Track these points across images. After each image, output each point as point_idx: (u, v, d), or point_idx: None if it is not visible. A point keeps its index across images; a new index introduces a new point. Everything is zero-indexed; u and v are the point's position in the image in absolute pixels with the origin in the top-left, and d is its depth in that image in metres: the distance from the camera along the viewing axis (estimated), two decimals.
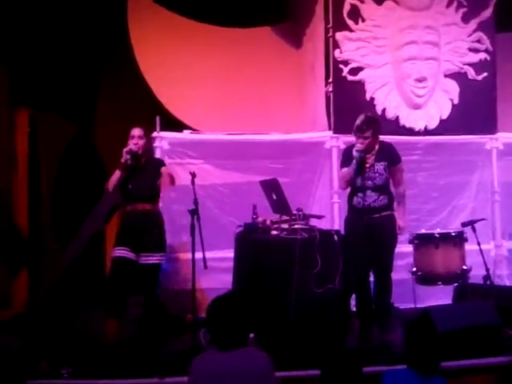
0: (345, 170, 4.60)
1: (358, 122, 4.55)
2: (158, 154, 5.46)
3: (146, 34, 6.26)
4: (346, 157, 4.63)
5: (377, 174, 4.53)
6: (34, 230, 6.08)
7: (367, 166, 4.55)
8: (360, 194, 4.53)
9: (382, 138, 4.93)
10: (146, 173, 4.68)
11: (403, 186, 4.66)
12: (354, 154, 4.46)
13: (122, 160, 4.56)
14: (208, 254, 4.40)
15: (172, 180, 4.71)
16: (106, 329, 4.41)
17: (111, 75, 6.49)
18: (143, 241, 4.54)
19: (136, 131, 4.69)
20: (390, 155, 4.60)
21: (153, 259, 4.58)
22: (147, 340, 4.36)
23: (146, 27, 6.26)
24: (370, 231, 4.50)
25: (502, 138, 6.06)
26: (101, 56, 6.47)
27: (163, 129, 5.56)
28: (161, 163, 4.85)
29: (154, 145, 5.47)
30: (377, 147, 4.59)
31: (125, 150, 4.57)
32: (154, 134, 5.50)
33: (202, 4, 6.45)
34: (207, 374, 2.63)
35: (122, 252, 4.49)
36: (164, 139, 5.51)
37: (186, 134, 5.70)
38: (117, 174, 4.59)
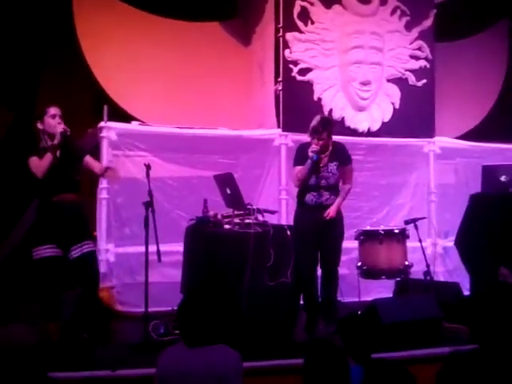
0: (299, 168, 4.67)
1: (314, 123, 4.62)
2: (104, 145, 5.35)
3: (92, 23, 6.11)
4: (299, 155, 4.71)
5: (330, 174, 4.67)
6: None
7: (321, 165, 4.67)
8: (313, 193, 4.65)
9: None
10: (70, 160, 4.21)
11: (350, 184, 4.83)
12: (310, 154, 4.55)
13: (56, 142, 4.05)
14: (155, 247, 4.35)
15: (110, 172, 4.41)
16: (44, 331, 4.09)
17: (55, 63, 6.28)
18: (72, 234, 4.11)
19: (56, 110, 4.19)
20: (342, 155, 4.74)
21: (85, 248, 4.15)
22: (93, 334, 4.22)
23: (91, 16, 6.12)
24: (320, 228, 4.63)
25: (439, 142, 6.40)
26: (45, 44, 6.24)
27: (111, 120, 5.44)
28: (80, 149, 4.37)
29: (101, 135, 5.35)
30: (330, 148, 4.71)
31: (59, 130, 4.06)
32: (101, 123, 5.38)
33: None
34: (174, 369, 2.60)
35: (51, 251, 4.05)
36: (111, 129, 5.39)
37: (134, 126, 5.61)
38: (48, 158, 4.02)
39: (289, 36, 6.07)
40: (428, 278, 4.81)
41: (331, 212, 4.62)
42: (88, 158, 4.35)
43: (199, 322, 2.62)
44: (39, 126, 4.17)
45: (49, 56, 6.27)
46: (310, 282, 4.71)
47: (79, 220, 4.19)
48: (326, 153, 4.67)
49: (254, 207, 4.48)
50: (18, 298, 5.12)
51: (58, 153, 4.13)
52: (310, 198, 4.67)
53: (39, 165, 4.04)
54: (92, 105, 6.17)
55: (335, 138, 5.32)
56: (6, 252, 5.66)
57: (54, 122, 4.13)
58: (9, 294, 5.17)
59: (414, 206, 6.26)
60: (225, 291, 4.04)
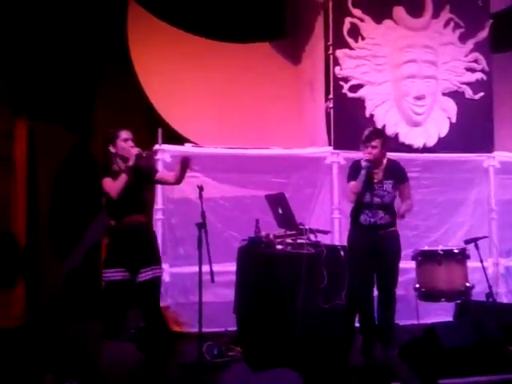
0: (353, 182, 4.61)
1: (366, 132, 4.62)
2: (159, 167, 5.43)
3: (146, 48, 6.28)
4: (353, 170, 4.66)
5: (385, 193, 4.58)
6: (32, 240, 5.98)
7: (375, 181, 4.59)
8: (367, 211, 4.57)
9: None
10: (139, 181, 4.26)
11: (410, 200, 4.70)
12: (363, 164, 4.51)
13: (131, 163, 4.12)
14: (209, 267, 4.36)
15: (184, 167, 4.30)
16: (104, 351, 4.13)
17: (110, 86, 6.48)
18: (140, 257, 4.15)
19: (128, 134, 4.27)
20: (398, 173, 4.66)
21: (153, 273, 4.20)
22: (152, 355, 4.26)
23: (145, 40, 6.29)
24: (376, 247, 4.54)
25: (499, 156, 6.15)
26: (100, 67, 6.46)
27: (164, 142, 5.54)
28: (152, 168, 4.52)
29: (156, 157, 5.45)
30: (385, 162, 4.63)
31: (134, 152, 4.12)
32: (156, 146, 5.48)
33: (203, 19, 6.49)
34: None
35: (117, 274, 4.11)
36: (166, 152, 5.48)
37: (187, 148, 5.69)
38: (124, 179, 4.08)
39: (339, 53, 6.02)
40: (490, 299, 4.60)
41: (402, 210, 4.51)
42: (160, 174, 4.50)
43: (264, 344, 2.58)
44: (111, 149, 4.24)
45: (103, 79, 6.48)
46: (366, 304, 4.60)
47: (148, 242, 4.25)
48: (379, 167, 4.59)
49: (307, 227, 4.42)
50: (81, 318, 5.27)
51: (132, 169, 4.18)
52: (364, 217, 4.60)
53: (114, 186, 4.10)
54: (146, 127, 6.29)
55: (389, 155, 5.26)
56: (67, 273, 5.82)
57: (126, 145, 4.21)
58: (70, 314, 5.32)
59: (474, 223, 6.02)
60: (274, 311, 4.00)
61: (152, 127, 5.73)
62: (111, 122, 6.42)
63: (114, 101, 6.47)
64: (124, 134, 4.26)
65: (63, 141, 6.29)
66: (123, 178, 4.10)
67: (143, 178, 4.31)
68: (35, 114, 6.13)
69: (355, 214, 4.67)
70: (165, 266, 5.38)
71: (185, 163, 4.26)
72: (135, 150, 4.16)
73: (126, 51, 6.13)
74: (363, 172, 4.49)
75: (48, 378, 3.56)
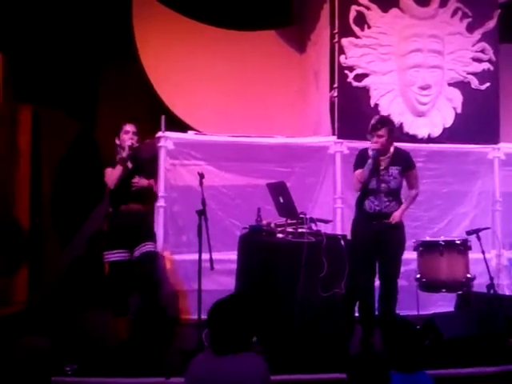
0: (359, 170, 4.58)
1: (372, 121, 4.58)
2: (162, 154, 5.45)
3: (151, 34, 6.28)
4: (360, 159, 4.63)
5: (391, 177, 4.54)
6: (35, 227, 6.01)
7: (381, 168, 4.56)
8: (372, 198, 4.54)
9: None
10: (140, 173, 4.57)
11: (416, 189, 4.67)
12: (370, 153, 4.49)
13: (124, 155, 4.43)
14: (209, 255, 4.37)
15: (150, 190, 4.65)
16: (115, 327, 4.39)
17: (114, 73, 6.50)
18: (137, 237, 4.49)
19: (131, 127, 4.58)
20: (405, 160, 4.62)
21: (147, 247, 4.51)
22: (151, 339, 4.33)
23: (150, 27, 6.28)
24: (379, 237, 4.50)
25: (504, 148, 6.09)
26: (104, 54, 6.46)
27: (167, 129, 5.53)
28: (152, 167, 4.83)
29: (159, 144, 5.44)
30: (392, 150, 4.60)
31: (127, 144, 4.43)
32: (159, 133, 5.47)
33: (207, 6, 6.46)
34: (201, 377, 2.59)
35: (117, 255, 4.46)
36: (169, 139, 5.48)
37: (190, 135, 5.69)
38: (119, 170, 4.42)
39: (344, 41, 5.97)
40: (492, 291, 4.57)
41: (396, 217, 4.50)
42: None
43: (228, 329, 2.58)
44: (116, 141, 4.57)
45: (107, 66, 6.47)
46: (367, 293, 4.58)
47: (144, 226, 4.55)
48: (386, 155, 4.56)
49: (307, 216, 4.41)
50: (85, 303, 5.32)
51: (129, 165, 4.47)
52: (369, 204, 4.55)
53: (110, 176, 4.43)
54: (149, 115, 6.29)
55: (394, 144, 5.26)
56: (70, 258, 5.86)
57: (126, 137, 4.52)
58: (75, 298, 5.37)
59: (478, 215, 5.98)
60: (273, 299, 3.99)
61: (155, 114, 5.71)
62: (115, 109, 6.47)
63: (117, 88, 6.49)
64: (127, 126, 4.55)
65: (67, 127, 6.31)
66: (118, 168, 4.40)
67: (141, 171, 4.52)
68: (40, 100, 6.13)
69: (360, 200, 4.63)
70: (166, 253, 5.44)
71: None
72: (129, 142, 4.43)
73: (130, 38, 6.12)
74: (370, 161, 4.46)
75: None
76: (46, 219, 6.17)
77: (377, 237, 4.49)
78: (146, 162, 4.69)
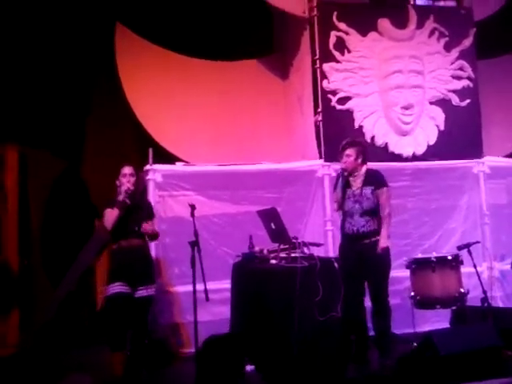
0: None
1: (343, 142, 4.85)
2: (151, 187, 5.45)
3: (134, 69, 6.31)
4: (337, 180, 4.83)
5: (364, 198, 4.67)
6: (25, 267, 5.96)
7: (354, 188, 4.72)
8: (349, 219, 4.69)
9: (371, 164, 5.10)
10: (139, 210, 4.73)
11: (388, 208, 4.73)
12: (339, 172, 4.74)
13: (121, 198, 4.58)
14: (203, 286, 4.37)
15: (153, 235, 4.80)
16: (110, 362, 4.37)
17: (100, 110, 6.51)
18: (139, 274, 4.59)
19: (128, 169, 4.73)
20: (376, 179, 4.76)
21: (148, 291, 4.63)
22: (147, 374, 4.29)
23: (134, 62, 6.32)
24: (362, 257, 4.60)
25: (489, 161, 6.19)
26: (89, 91, 6.50)
27: (155, 162, 5.55)
28: (152, 209, 4.92)
29: (147, 177, 5.46)
30: (363, 170, 4.75)
31: (124, 189, 4.59)
32: (147, 166, 5.49)
33: (190, 38, 6.55)
34: None
35: (119, 288, 4.52)
36: (157, 172, 5.49)
37: (178, 166, 5.71)
38: (115, 213, 4.57)
39: (326, 67, 6.09)
40: (486, 304, 4.60)
41: (381, 245, 4.58)
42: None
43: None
44: (117, 182, 4.72)
45: (93, 102, 6.51)
46: (357, 313, 4.63)
47: (144, 261, 4.67)
48: (357, 175, 4.72)
49: (300, 241, 4.44)
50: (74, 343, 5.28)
51: (128, 202, 4.60)
52: (347, 226, 4.72)
53: (108, 218, 4.58)
54: (137, 148, 6.31)
55: (380, 164, 5.40)
56: (61, 297, 5.80)
57: (124, 180, 4.67)
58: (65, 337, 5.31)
59: (467, 229, 6.04)
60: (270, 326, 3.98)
61: (143, 148, 5.73)
62: (102, 145, 6.49)
63: (104, 123, 6.49)
64: (125, 169, 4.72)
65: (54, 166, 6.30)
66: (115, 212, 4.56)
67: (139, 211, 4.69)
68: (26, 140, 6.14)
69: (342, 222, 4.81)
70: (159, 286, 5.41)
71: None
72: (125, 186, 4.58)
73: (115, 73, 6.17)
74: (340, 180, 4.71)
75: None
76: (36, 258, 6.12)
77: (359, 257, 4.60)
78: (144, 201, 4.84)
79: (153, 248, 5.42)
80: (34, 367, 4.61)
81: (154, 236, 4.81)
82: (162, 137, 6.23)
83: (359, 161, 4.74)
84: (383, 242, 4.57)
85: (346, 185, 4.72)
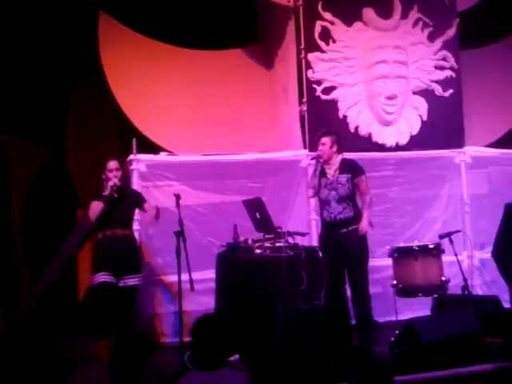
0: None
1: (318, 133, 5.04)
2: (135, 177, 5.43)
3: (117, 58, 6.26)
4: (315, 168, 4.95)
5: (339, 185, 4.80)
6: (6, 256, 5.92)
7: (329, 176, 4.84)
8: (327, 207, 4.81)
9: (355, 154, 5.29)
10: (125, 201, 4.77)
11: (368, 194, 4.84)
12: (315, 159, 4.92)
13: (106, 193, 4.63)
14: (188, 276, 4.39)
15: (158, 213, 4.84)
16: (98, 351, 4.41)
17: (82, 99, 6.46)
18: (123, 264, 4.64)
19: (114, 164, 4.76)
20: (352, 167, 4.87)
21: (133, 281, 4.68)
22: (132, 363, 4.32)
23: (116, 50, 6.28)
24: (339, 246, 4.70)
25: (470, 151, 6.26)
26: (71, 79, 6.43)
27: (138, 152, 5.53)
28: (140, 196, 4.96)
29: (131, 167, 5.44)
30: (339, 159, 4.88)
31: (110, 184, 4.62)
32: (131, 156, 5.47)
33: (174, 27, 6.50)
34: None
35: (105, 277, 4.56)
36: (141, 162, 5.47)
37: (162, 156, 5.68)
38: (100, 206, 4.61)
39: (311, 56, 6.09)
40: (466, 292, 4.69)
41: (364, 227, 4.67)
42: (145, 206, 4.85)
43: (213, 343, 2.61)
44: (103, 176, 4.76)
45: (75, 92, 6.45)
46: (337, 300, 4.71)
47: (130, 251, 4.72)
48: (332, 163, 4.85)
49: (284, 230, 4.47)
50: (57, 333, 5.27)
51: (115, 195, 4.66)
52: (326, 213, 4.83)
53: (92, 210, 4.65)
54: (120, 138, 6.28)
55: (363, 154, 5.59)
56: (44, 287, 5.79)
57: (110, 175, 4.72)
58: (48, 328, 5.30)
59: (448, 218, 6.11)
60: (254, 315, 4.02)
61: (126, 138, 5.70)
62: (85, 135, 6.44)
63: (86, 113, 6.45)
64: (110, 164, 4.76)
65: (36, 155, 6.25)
66: (100, 205, 4.61)
67: (124, 203, 4.72)
68: (7, 130, 6.07)
69: (320, 212, 4.93)
70: (143, 276, 5.41)
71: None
72: (111, 182, 4.64)
73: (97, 62, 6.12)
74: (314, 167, 4.90)
75: None
76: (17, 249, 6.08)
77: (337, 246, 4.70)
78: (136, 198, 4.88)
79: (136, 238, 5.43)
80: (15, 357, 4.60)
81: (157, 214, 4.83)
82: (145, 126, 6.20)
83: (334, 149, 4.89)
84: (364, 224, 4.67)
85: (322, 174, 4.87)
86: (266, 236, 4.57)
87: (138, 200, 4.88)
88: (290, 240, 4.58)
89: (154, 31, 6.40)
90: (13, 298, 5.88)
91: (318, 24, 6.11)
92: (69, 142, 6.48)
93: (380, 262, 5.03)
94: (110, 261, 4.59)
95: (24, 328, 5.51)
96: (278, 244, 4.44)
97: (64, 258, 5.91)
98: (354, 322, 4.83)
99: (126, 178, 5.00)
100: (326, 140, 4.90)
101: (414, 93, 6.34)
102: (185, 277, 4.34)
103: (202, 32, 6.57)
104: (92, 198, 4.72)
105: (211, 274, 5.05)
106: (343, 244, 4.68)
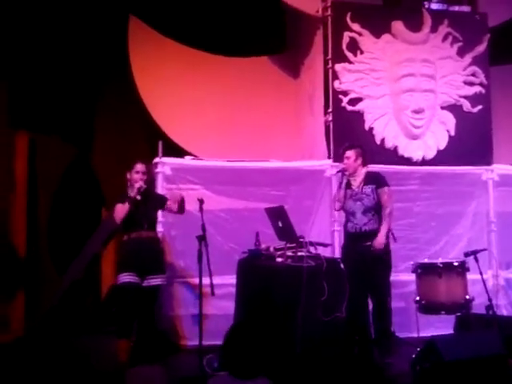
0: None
1: (342, 146, 5.12)
2: (159, 180, 5.46)
3: (147, 61, 6.34)
4: (341, 180, 5.00)
5: (364, 195, 4.84)
6: (32, 253, 5.98)
7: (354, 188, 4.89)
8: (351, 218, 4.85)
9: (380, 167, 5.35)
10: (150, 203, 4.82)
11: (389, 208, 4.83)
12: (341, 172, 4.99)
13: (133, 195, 4.68)
14: (209, 280, 4.38)
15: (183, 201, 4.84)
16: (115, 349, 4.47)
17: (111, 99, 6.53)
18: (148, 265, 4.70)
19: (141, 167, 4.81)
20: (377, 179, 4.91)
21: (157, 281, 4.73)
22: (151, 365, 4.31)
23: (146, 54, 6.35)
24: (362, 258, 4.68)
25: (498, 169, 6.17)
26: (100, 80, 6.51)
27: (164, 155, 5.55)
28: (163, 197, 5.00)
29: (156, 170, 5.46)
30: (364, 172, 4.93)
31: (137, 186, 4.67)
32: (156, 159, 5.49)
33: (204, 33, 6.55)
34: None
35: (129, 277, 4.62)
36: (166, 165, 5.50)
37: (187, 160, 5.71)
38: (126, 208, 4.66)
39: (338, 67, 6.07)
40: (490, 312, 4.59)
41: (377, 244, 4.66)
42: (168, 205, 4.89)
43: (246, 353, 2.60)
44: (128, 175, 4.82)
45: (104, 92, 6.52)
46: (359, 313, 4.67)
47: (155, 252, 4.79)
48: (357, 176, 4.89)
49: (307, 240, 4.43)
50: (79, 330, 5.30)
51: (138, 198, 4.70)
52: (350, 225, 4.86)
53: (118, 212, 4.68)
54: (147, 140, 6.32)
55: (388, 167, 5.59)
56: (68, 284, 5.83)
57: (136, 176, 4.77)
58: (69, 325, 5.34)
59: (474, 236, 6.02)
60: (274, 324, 3.98)
61: (153, 140, 5.75)
62: (112, 136, 6.50)
63: (114, 114, 6.52)
64: (138, 166, 4.81)
65: (64, 153, 6.32)
66: (125, 208, 4.65)
67: (149, 204, 4.78)
68: (36, 127, 6.15)
69: (345, 223, 4.97)
70: (166, 277, 5.41)
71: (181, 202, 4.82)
72: (138, 184, 4.69)
73: (127, 64, 6.18)
74: (339, 180, 4.97)
75: None
76: (43, 245, 6.14)
77: (360, 259, 4.68)
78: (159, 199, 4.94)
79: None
80: (38, 353, 4.61)
81: (182, 203, 4.82)
82: (171, 130, 6.25)
83: (359, 162, 4.94)
84: (379, 241, 4.65)
85: (347, 186, 4.92)
86: (288, 245, 4.54)
87: (162, 201, 4.92)
88: (312, 250, 4.54)
89: (182, 36, 6.46)
90: (37, 295, 5.93)
91: (346, 35, 6.09)
92: (96, 142, 6.55)
93: (403, 277, 4.95)
94: (135, 262, 4.66)
95: (46, 324, 5.55)
96: (299, 253, 4.40)
97: (88, 257, 5.96)
98: (374, 335, 4.78)
99: (150, 180, 5.01)
100: (351, 153, 4.95)
101: (442, 108, 6.27)
102: (206, 281, 4.32)
103: (231, 38, 6.61)
104: (116, 198, 4.77)
105: (232, 279, 5.04)
106: (366, 256, 4.65)
